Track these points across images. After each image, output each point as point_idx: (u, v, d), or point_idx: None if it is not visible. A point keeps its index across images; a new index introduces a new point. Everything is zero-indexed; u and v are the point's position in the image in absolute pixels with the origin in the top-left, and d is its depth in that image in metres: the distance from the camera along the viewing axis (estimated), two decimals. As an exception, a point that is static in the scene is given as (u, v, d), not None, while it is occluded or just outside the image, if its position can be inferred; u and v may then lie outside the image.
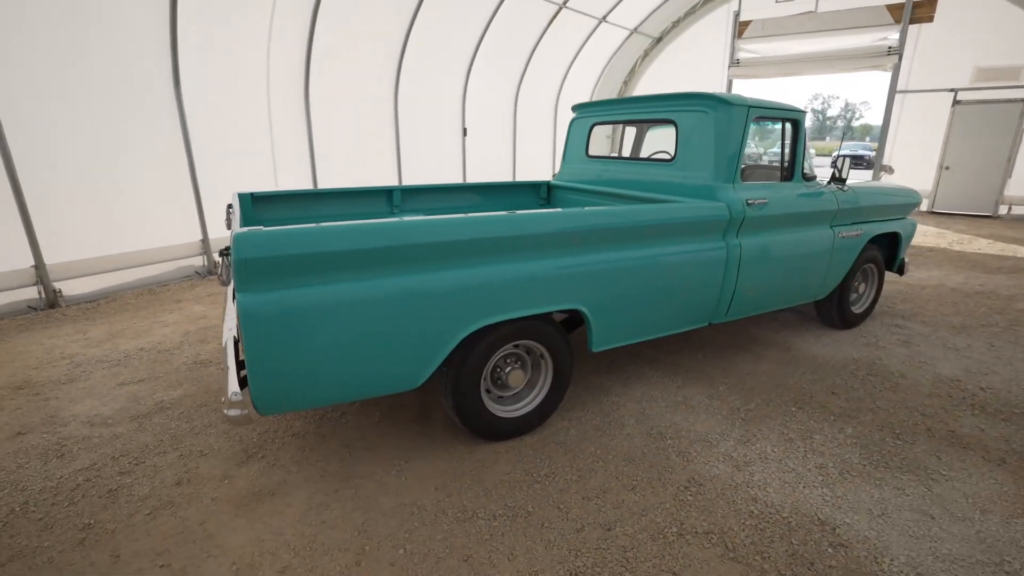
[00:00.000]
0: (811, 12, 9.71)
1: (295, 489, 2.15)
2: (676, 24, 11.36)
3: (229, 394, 1.81)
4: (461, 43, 7.97)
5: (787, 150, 3.19)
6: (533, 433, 2.56)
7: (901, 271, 4.13)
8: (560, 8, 8.78)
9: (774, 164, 3.59)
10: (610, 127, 5.05)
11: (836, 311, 3.79)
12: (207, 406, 2.80)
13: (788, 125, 3.17)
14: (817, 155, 32.60)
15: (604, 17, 9.78)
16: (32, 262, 4.29)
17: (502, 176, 9.96)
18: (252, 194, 3.15)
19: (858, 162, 22.21)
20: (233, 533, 1.91)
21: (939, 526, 1.95)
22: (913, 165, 9.51)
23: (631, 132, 4.23)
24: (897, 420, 2.68)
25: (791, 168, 3.21)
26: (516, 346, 2.45)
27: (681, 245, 2.70)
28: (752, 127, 2.94)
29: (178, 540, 1.87)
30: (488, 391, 2.45)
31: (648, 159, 3.39)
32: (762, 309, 3.25)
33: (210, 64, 5.26)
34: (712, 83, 11.13)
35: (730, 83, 10.91)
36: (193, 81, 5.12)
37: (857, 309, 3.97)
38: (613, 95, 12.17)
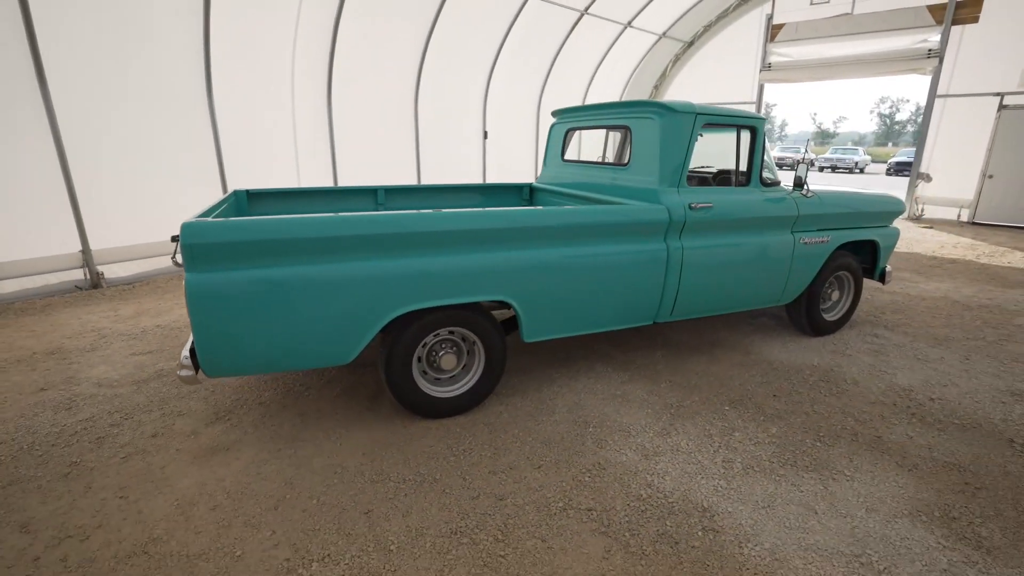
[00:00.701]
0: (847, 14, 9.39)
1: (246, 447, 2.48)
2: (707, 28, 11.21)
3: (182, 357, 2.16)
4: (481, 48, 8.27)
5: (743, 156, 3.26)
6: (468, 414, 2.78)
7: (883, 280, 4.04)
8: (581, 15, 8.92)
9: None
10: (603, 132, 5.18)
11: (805, 317, 3.78)
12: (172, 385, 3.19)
13: (745, 132, 3.24)
14: (873, 162, 30.75)
15: (629, 22, 9.83)
16: (80, 247, 4.93)
17: (523, 179, 10.20)
18: (248, 191, 3.55)
19: (905, 169, 21.10)
20: (184, 477, 2.25)
21: (818, 520, 2.02)
22: (954, 173, 8.96)
23: (615, 137, 4.37)
24: (827, 424, 2.71)
25: (748, 174, 3.27)
26: (452, 332, 2.69)
27: (617, 245, 2.84)
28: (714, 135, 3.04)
29: (140, 479, 2.23)
30: (425, 372, 2.70)
31: (609, 164, 3.53)
32: (715, 311, 3.32)
33: (239, 67, 5.80)
34: (744, 87, 10.91)
35: (761, 88, 10.69)
36: (223, 83, 5.67)
37: (830, 316, 3.93)
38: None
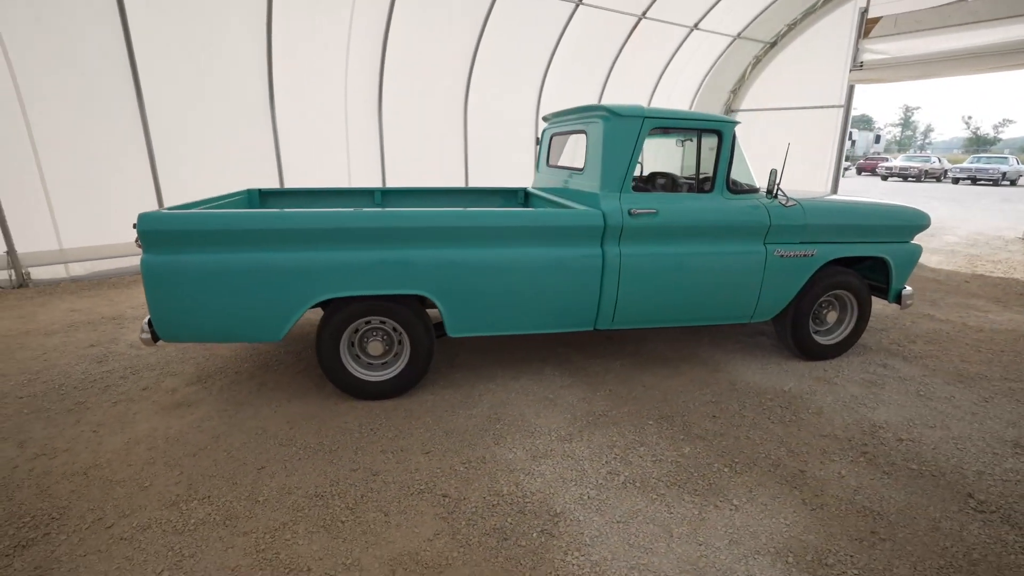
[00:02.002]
0: (959, 1, 8.14)
1: (204, 405, 2.92)
2: (792, 26, 10.29)
3: (143, 324, 2.63)
4: (531, 57, 8.41)
5: (705, 161, 3.09)
6: (397, 399, 2.98)
7: (900, 302, 3.53)
8: (639, 19, 8.72)
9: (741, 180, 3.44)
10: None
11: (791, 339, 3.44)
12: (202, 346, 3.77)
13: (709, 136, 3.07)
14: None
15: (696, 25, 9.37)
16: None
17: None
18: (260, 190, 4.10)
19: (983, 178, 17.71)
20: (145, 423, 2.72)
21: (668, 544, 1.92)
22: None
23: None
24: (751, 451, 2.50)
25: (712, 180, 3.10)
26: (384, 322, 2.92)
27: (548, 249, 2.87)
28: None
29: (115, 420, 2.75)
30: (358, 357, 2.96)
31: (572, 168, 3.53)
32: (668, 322, 3.18)
33: (298, 79, 6.57)
34: (831, 90, 9.86)
35: (851, 89, 9.62)
36: (284, 94, 6.48)
37: (826, 340, 3.53)
38: (719, 107, 11.45)
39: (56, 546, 1.87)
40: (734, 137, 3.10)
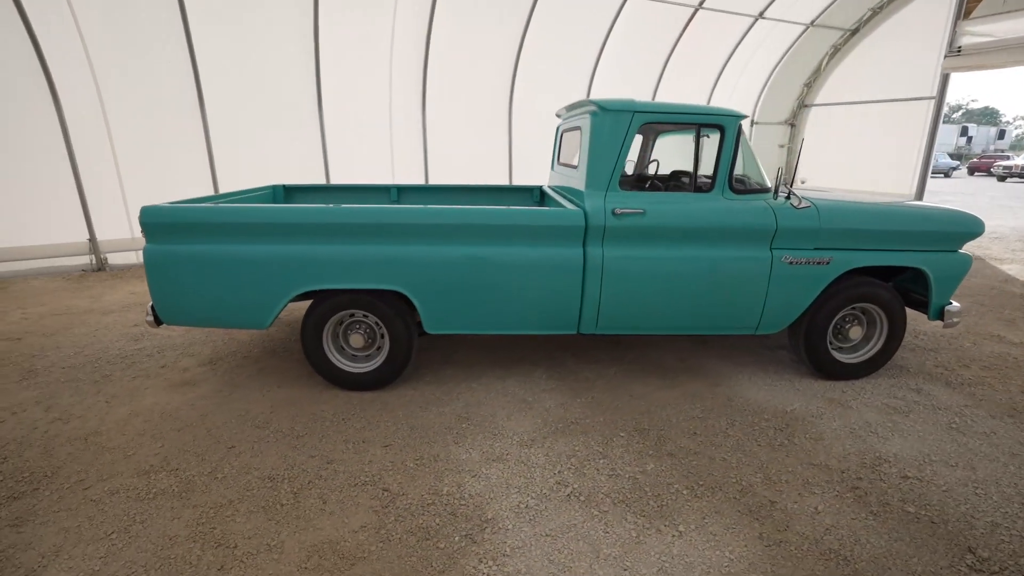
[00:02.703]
0: (1086, -34, 6.96)
1: (205, 385, 3.15)
2: (877, 11, 9.26)
3: (148, 307, 2.89)
4: (578, 52, 8.24)
5: (704, 159, 2.86)
6: (379, 391, 3.05)
7: (942, 319, 3.06)
8: (696, 10, 8.24)
9: (744, 177, 3.19)
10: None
11: (805, 354, 3.10)
12: (223, 332, 4.08)
13: (708, 132, 2.84)
14: None
15: (761, 14, 8.70)
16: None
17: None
18: (285, 186, 4.36)
19: None
20: (151, 398, 2.99)
21: (591, 564, 1.81)
22: None
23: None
24: (721, 475, 2.29)
25: (712, 179, 2.87)
26: (367, 316, 2.99)
27: (527, 248, 2.80)
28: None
29: (128, 393, 3.04)
30: (342, 348, 3.06)
31: (571, 165, 3.41)
32: (658, 329, 2.99)
33: (344, 80, 6.89)
34: (921, 80, 8.75)
35: (945, 78, 8.52)
36: (330, 93, 6.83)
37: (849, 358, 3.14)
38: (791, 101, 10.59)
39: (39, 500, 2.11)
40: (739, 132, 2.84)
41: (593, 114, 2.85)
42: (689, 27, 8.47)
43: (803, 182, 10.69)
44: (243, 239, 2.73)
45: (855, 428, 2.66)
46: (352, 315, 2.99)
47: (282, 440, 2.56)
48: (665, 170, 3.78)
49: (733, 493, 2.17)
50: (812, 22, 9.26)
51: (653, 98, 9.20)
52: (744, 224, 2.83)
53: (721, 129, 2.83)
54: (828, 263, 2.90)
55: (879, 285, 3.00)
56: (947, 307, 3.07)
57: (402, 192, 4.47)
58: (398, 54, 7.07)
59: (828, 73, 10.18)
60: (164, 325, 3.17)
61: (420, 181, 7.93)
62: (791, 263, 2.88)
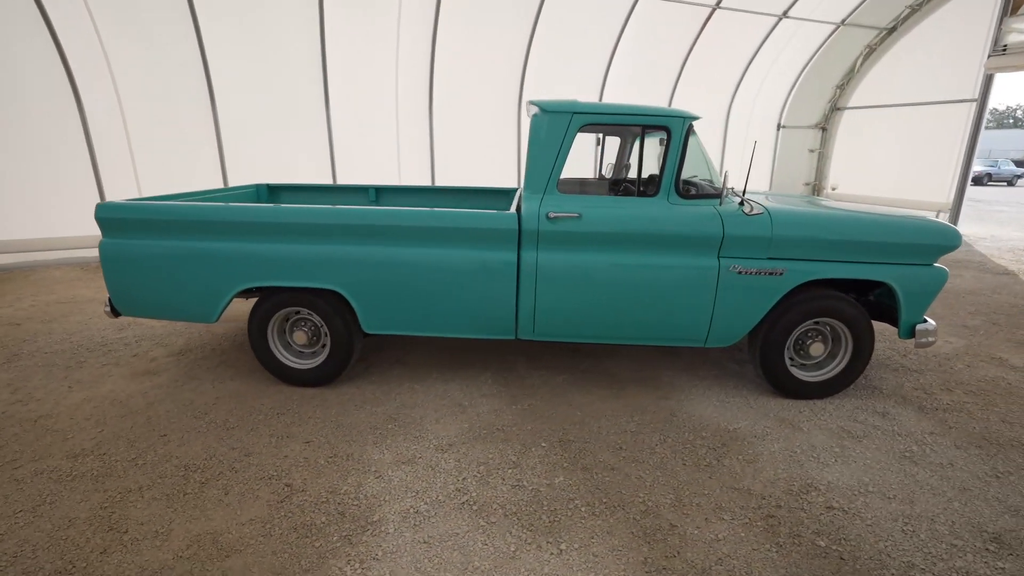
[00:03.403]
0: None
1: (165, 375, 3.29)
2: (916, 8, 8.67)
3: (107, 298, 3.05)
4: (589, 52, 8.13)
5: (649, 161, 2.75)
6: (323, 388, 3.09)
7: (913, 337, 2.81)
8: (713, 10, 7.96)
9: (700, 180, 3.05)
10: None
11: (761, 370, 2.92)
12: (202, 327, 4.24)
13: (654, 133, 2.73)
14: None
15: (785, 13, 8.32)
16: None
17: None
18: (268, 185, 4.50)
19: None
20: (110, 385, 3.15)
21: (458, 574, 1.76)
22: None
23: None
24: (630, 494, 2.19)
25: (658, 182, 2.75)
26: (311, 313, 3.04)
27: (462, 251, 2.78)
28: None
29: (92, 379, 3.22)
30: (289, 345, 3.12)
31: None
32: (600, 338, 2.89)
33: (350, 80, 7.07)
34: (964, 81, 8.12)
35: (988, 80, 7.89)
36: (338, 95, 7.02)
37: (810, 376, 2.94)
38: (822, 104, 10.09)
39: (-29, 476, 2.26)
40: (687, 133, 2.72)
41: (534, 116, 2.80)
42: (707, 28, 8.21)
43: (833, 188, 10.15)
44: (189, 236, 2.84)
45: (796, 451, 2.48)
46: (298, 312, 3.06)
47: (213, 431, 2.64)
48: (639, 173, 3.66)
49: (635, 514, 2.07)
50: (843, 21, 8.78)
51: (670, 103, 8.95)
52: (688, 231, 2.70)
53: (667, 131, 2.71)
54: (782, 274, 2.73)
55: (841, 299, 2.79)
56: (919, 325, 2.82)
57: (380, 192, 4.53)
58: (404, 55, 7.18)
59: (862, 74, 9.62)
60: (122, 316, 3.33)
61: (427, 182, 8.02)
62: (740, 273, 2.73)
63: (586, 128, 2.76)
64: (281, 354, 3.10)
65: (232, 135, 6.59)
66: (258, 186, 4.44)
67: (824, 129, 10.18)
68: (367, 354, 3.62)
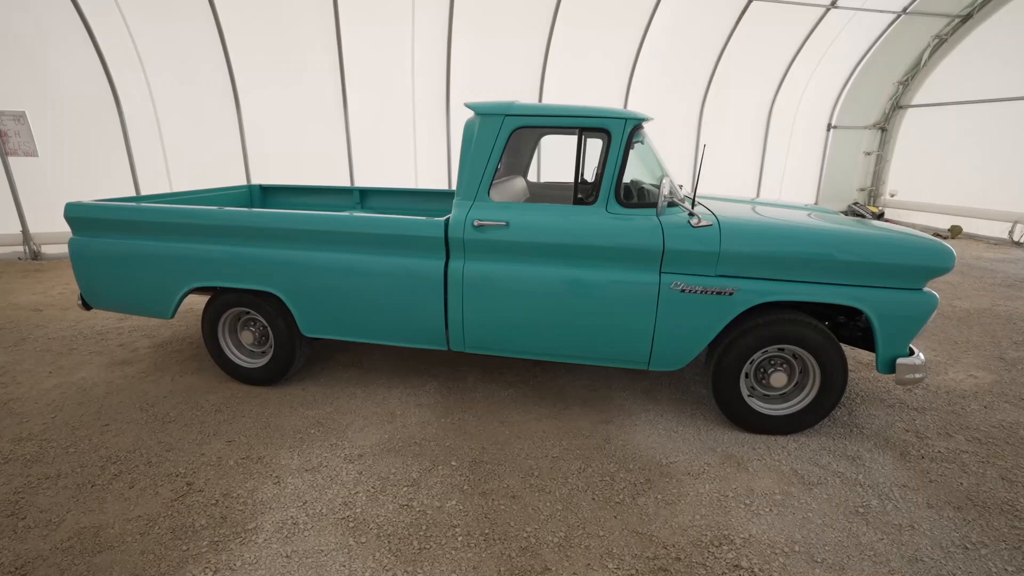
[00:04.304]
0: None
1: (139, 366, 3.48)
2: (998, -13, 7.63)
3: (79, 292, 3.26)
4: (613, 50, 7.83)
5: (586, 166, 2.55)
6: (270, 387, 3.14)
7: (894, 371, 2.42)
8: (749, 2, 7.40)
9: (651, 186, 2.82)
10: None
11: (714, 401, 2.64)
12: (195, 316, 4.46)
13: (593, 136, 2.54)
14: None
15: (833, 2, 7.58)
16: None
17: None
18: (262, 185, 4.66)
19: None
20: (86, 372, 3.37)
21: (302, 595, 1.69)
22: None
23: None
24: (516, 528, 2.03)
25: (595, 188, 2.55)
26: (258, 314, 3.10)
27: (391, 258, 2.72)
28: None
29: (74, 365, 3.46)
30: (240, 344, 3.20)
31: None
32: (535, 354, 2.73)
33: (367, 86, 7.22)
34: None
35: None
36: (355, 98, 7.20)
37: (771, 409, 2.61)
38: (880, 103, 9.16)
39: (-73, 451, 2.48)
40: (630, 136, 2.50)
41: (469, 119, 2.68)
42: (742, 20, 7.65)
43: (892, 195, 9.19)
44: (146, 235, 2.97)
45: (728, 495, 2.21)
46: (248, 313, 3.12)
47: (149, 424, 2.75)
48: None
49: (512, 550, 1.91)
50: (905, 9, 7.89)
51: (703, 104, 8.44)
52: (625, 243, 2.47)
53: (606, 133, 2.51)
54: (732, 294, 2.44)
55: (804, 324, 2.46)
56: (901, 359, 2.43)
57: (364, 195, 4.57)
58: (420, 57, 7.24)
59: (930, 68, 8.61)
60: (93, 309, 3.51)
61: (443, 184, 8.05)
62: (684, 291, 2.47)
63: (521, 131, 2.61)
64: (232, 352, 3.18)
65: (255, 137, 6.94)
66: (251, 186, 4.61)
67: (883, 129, 9.21)
68: (333, 354, 3.65)
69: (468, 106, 2.65)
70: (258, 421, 2.79)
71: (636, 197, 2.60)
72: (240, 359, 3.18)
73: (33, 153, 6.25)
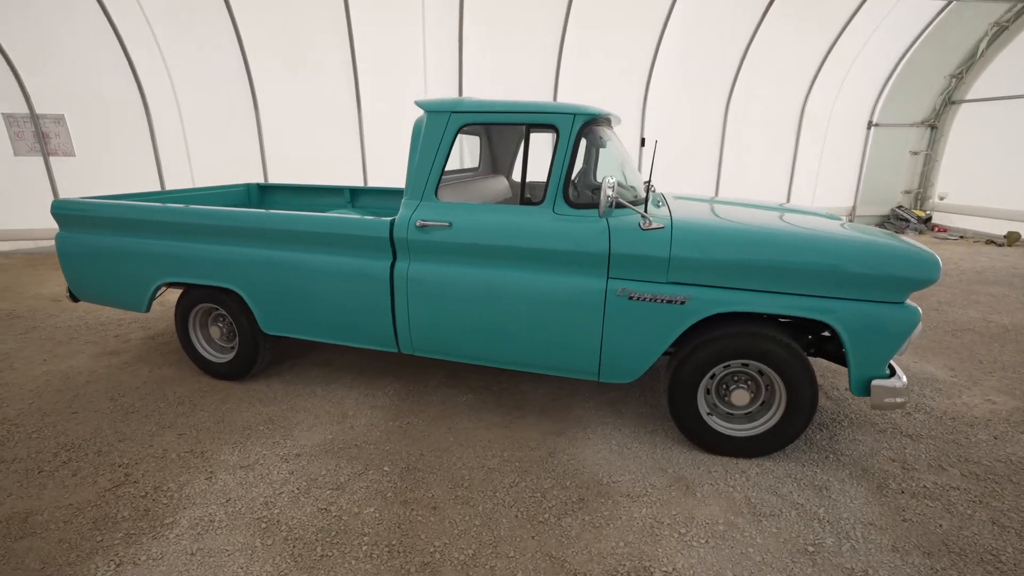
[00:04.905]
0: None
1: (125, 357, 3.62)
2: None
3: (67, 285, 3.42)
4: (628, 48, 7.57)
5: (532, 165, 2.43)
6: (237, 382, 3.19)
7: (869, 394, 2.15)
8: (778, -13, 6.97)
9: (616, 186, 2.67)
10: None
11: (672, 418, 2.44)
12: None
13: (540, 133, 2.42)
14: None
15: (873, -14, 7.04)
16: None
17: (703, 193, 8.72)
18: (259, 184, 4.79)
19: None
20: (76, 361, 3.54)
21: (189, 596, 1.67)
22: None
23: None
24: (427, 540, 1.95)
25: (544, 188, 2.42)
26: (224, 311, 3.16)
27: (340, 257, 2.70)
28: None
29: (68, 353, 3.64)
30: (211, 339, 3.27)
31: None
32: (484, 361, 2.63)
33: (379, 88, 7.31)
34: None
35: None
36: (369, 100, 7.31)
37: (733, 429, 2.40)
38: (929, 98, 8.46)
39: (-89, 429, 2.66)
40: (579, 133, 2.36)
41: (418, 118, 2.62)
42: (770, 12, 7.22)
43: (941, 198, 8.46)
44: (122, 232, 3.09)
45: (664, 522, 2.03)
46: (217, 308, 3.19)
47: (113, 414, 2.84)
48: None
49: (414, 564, 1.82)
50: (958, -6, 7.21)
51: (728, 102, 8.03)
52: (570, 246, 2.33)
53: (555, 130, 2.38)
54: (683, 303, 2.25)
55: (766, 338, 2.23)
56: (876, 380, 2.16)
57: (354, 194, 4.60)
58: (431, 59, 7.26)
59: (988, 59, 7.84)
60: (81, 301, 3.67)
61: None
62: (632, 298, 2.30)
63: (467, 128, 2.52)
64: (202, 346, 3.26)
65: (272, 139, 7.17)
66: (248, 185, 4.74)
67: (933, 127, 8.46)
68: (304, 352, 3.68)
69: (417, 104, 2.59)
70: (214, 415, 2.83)
71: (583, 197, 2.45)
72: (210, 353, 3.25)
73: (71, 153, 6.71)
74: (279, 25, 6.69)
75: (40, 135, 6.53)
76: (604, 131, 2.67)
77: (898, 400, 2.17)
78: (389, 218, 2.59)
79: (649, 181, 2.88)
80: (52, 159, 6.62)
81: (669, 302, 2.27)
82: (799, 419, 2.31)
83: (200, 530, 1.99)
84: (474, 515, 2.08)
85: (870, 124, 8.48)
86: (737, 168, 8.32)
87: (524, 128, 2.42)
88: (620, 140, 3.29)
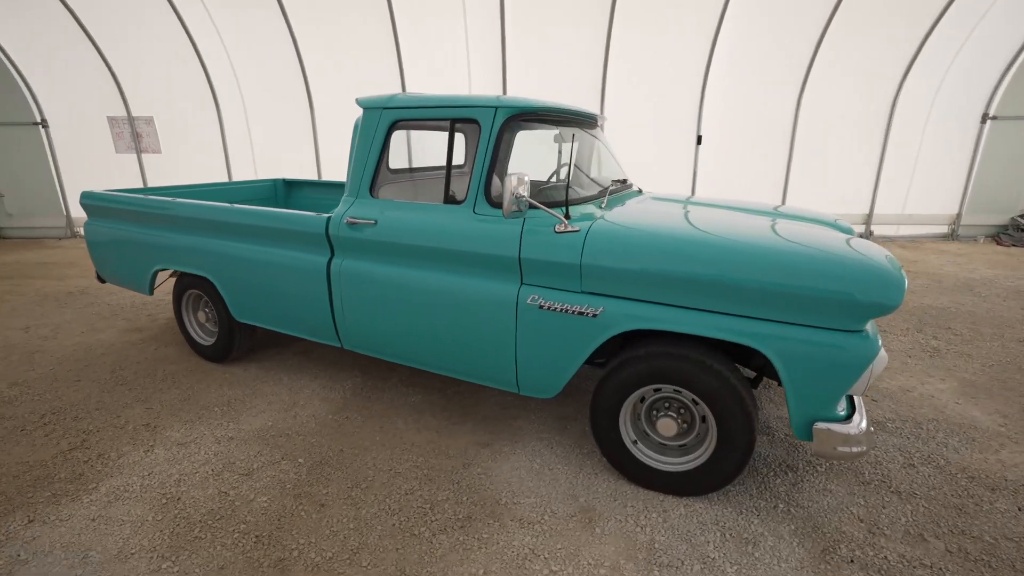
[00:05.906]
0: None
1: (147, 333, 4.04)
2: None
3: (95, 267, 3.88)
4: (682, 50, 7.03)
5: (455, 161, 2.31)
6: (222, 364, 3.43)
7: (812, 438, 1.77)
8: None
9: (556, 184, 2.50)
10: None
11: (595, 442, 2.21)
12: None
13: (464, 128, 2.30)
14: None
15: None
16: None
17: (769, 199, 7.90)
18: (286, 180, 5.10)
19: None
20: (105, 335, 4.00)
21: None
22: None
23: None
24: (282, 532, 1.92)
25: (467, 185, 2.30)
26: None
27: (285, 251, 2.79)
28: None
29: (104, 327, 4.13)
30: (200, 324, 3.54)
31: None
32: (409, 362, 2.59)
33: (425, 77, 7.48)
34: None
35: None
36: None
37: (663, 463, 2.12)
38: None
39: (-45, 383, 3.16)
40: (502, 128, 2.20)
41: (358, 116, 2.61)
42: (840, 8, 6.32)
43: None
44: (127, 221, 3.44)
45: (541, 557, 1.83)
46: (203, 294, 3.44)
47: (105, 385, 3.17)
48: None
49: (269, 560, 1.81)
50: (1107, -47, 5.82)
51: (800, 97, 7.17)
52: (484, 248, 2.19)
53: (476, 124, 2.25)
54: (596, 316, 2.02)
55: (692, 361, 1.93)
56: (820, 423, 1.78)
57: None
58: (475, 60, 7.28)
59: None
60: (106, 283, 4.12)
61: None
62: (542, 308, 2.11)
63: (400, 124, 2.46)
64: (193, 329, 3.54)
65: (326, 137, 7.64)
66: (275, 181, 5.07)
67: (1069, 119, 6.92)
68: (290, 342, 3.84)
69: (357, 101, 2.59)
70: (184, 394, 3.06)
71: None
72: (200, 336, 3.52)
73: (158, 150, 7.65)
74: (328, 35, 7.10)
75: (135, 135, 7.52)
76: (565, 128, 2.49)
77: (853, 449, 1.78)
78: (327, 214, 2.63)
79: (626, 180, 2.64)
80: (144, 156, 7.60)
81: (581, 314, 2.05)
82: (732, 457, 1.98)
83: (112, 498, 2.15)
84: (353, 518, 2.03)
85: (985, 117, 7.13)
86: (808, 172, 7.43)
87: (449, 123, 2.32)
88: (598, 137, 3.06)
